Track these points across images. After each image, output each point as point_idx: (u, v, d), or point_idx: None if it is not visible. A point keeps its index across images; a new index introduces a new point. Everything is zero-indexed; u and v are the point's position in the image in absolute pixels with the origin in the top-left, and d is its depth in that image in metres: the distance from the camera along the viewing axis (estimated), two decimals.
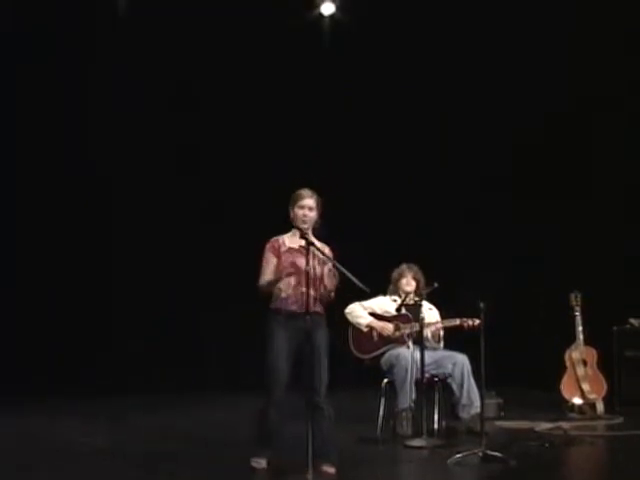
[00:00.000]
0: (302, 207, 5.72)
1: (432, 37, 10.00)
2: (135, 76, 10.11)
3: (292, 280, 5.67)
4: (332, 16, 10.31)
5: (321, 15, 10.30)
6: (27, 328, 9.81)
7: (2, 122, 9.82)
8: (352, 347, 7.35)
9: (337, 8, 10.27)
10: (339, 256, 5.74)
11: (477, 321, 6.75)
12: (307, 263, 5.45)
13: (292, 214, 5.76)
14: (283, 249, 5.75)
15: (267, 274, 5.71)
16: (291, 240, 5.78)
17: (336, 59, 10.30)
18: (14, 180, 9.99)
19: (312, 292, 5.55)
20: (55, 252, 10.05)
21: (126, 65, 10.09)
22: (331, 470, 5.57)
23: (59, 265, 10.06)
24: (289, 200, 5.81)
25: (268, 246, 5.79)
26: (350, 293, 6.45)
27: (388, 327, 7.29)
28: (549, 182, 9.87)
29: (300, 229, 5.63)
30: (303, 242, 5.52)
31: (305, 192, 5.78)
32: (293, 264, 5.68)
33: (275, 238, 5.83)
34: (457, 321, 7.12)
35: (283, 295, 5.68)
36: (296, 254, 5.70)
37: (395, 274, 7.53)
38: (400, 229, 10.20)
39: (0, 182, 9.90)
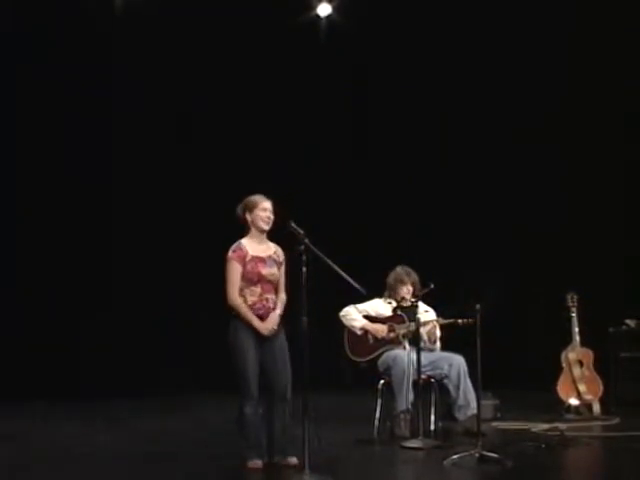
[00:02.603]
0: (265, 209, 5.91)
1: (431, 38, 10.05)
2: (135, 76, 10.14)
3: (257, 289, 5.85)
4: (328, 17, 10.34)
5: (317, 16, 10.33)
6: (26, 329, 9.80)
7: (2, 121, 9.84)
8: (348, 350, 7.34)
9: (333, 9, 10.31)
10: (336, 257, 5.76)
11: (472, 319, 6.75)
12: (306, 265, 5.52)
13: (250, 218, 5.90)
14: (248, 258, 5.86)
15: (235, 284, 5.83)
16: (252, 247, 5.91)
17: (334, 59, 10.31)
18: (14, 179, 9.99)
19: (273, 297, 5.88)
20: (55, 252, 10.05)
21: (125, 65, 10.14)
22: (294, 461, 5.75)
23: (58, 265, 10.06)
24: (242, 205, 5.93)
25: (232, 255, 5.88)
26: (345, 296, 6.49)
27: (381, 329, 7.29)
28: (548, 183, 9.88)
29: (262, 230, 5.88)
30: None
31: (262, 196, 5.95)
32: (259, 274, 5.84)
33: (237, 246, 5.92)
34: (452, 319, 7.15)
35: (249, 302, 5.84)
36: (260, 264, 5.86)
37: (391, 279, 7.45)
38: (397, 230, 10.21)
39: (0, 181, 9.92)
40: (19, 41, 9.78)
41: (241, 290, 5.85)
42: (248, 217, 5.91)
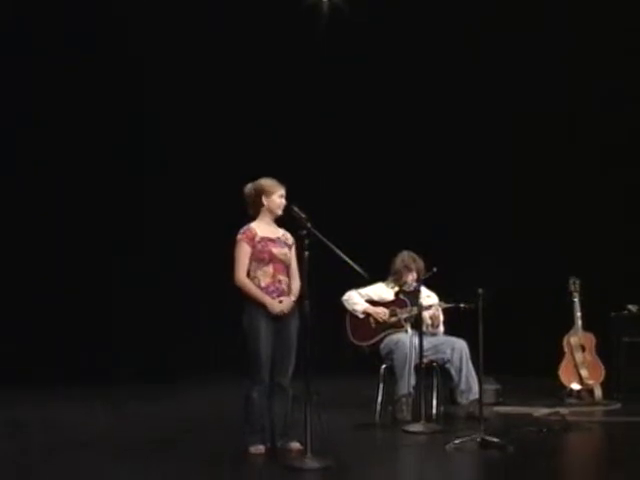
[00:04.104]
0: (281, 196, 5.95)
1: (430, 39, 10.06)
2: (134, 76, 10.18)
3: (270, 269, 5.84)
4: (329, 1, 10.29)
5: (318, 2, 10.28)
6: (25, 316, 9.80)
7: (2, 120, 9.84)
8: (350, 335, 7.34)
9: None
10: (339, 241, 5.75)
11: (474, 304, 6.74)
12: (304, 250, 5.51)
13: (267, 202, 5.91)
14: (257, 239, 5.86)
15: (243, 265, 5.83)
16: (261, 229, 5.91)
17: (334, 47, 10.27)
18: (14, 178, 10.01)
19: (286, 279, 5.88)
20: (55, 239, 10.06)
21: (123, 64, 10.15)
22: (297, 446, 5.76)
23: (56, 252, 10.07)
24: (257, 187, 5.92)
25: (242, 237, 5.88)
26: (348, 280, 6.49)
27: (383, 312, 7.29)
28: (549, 170, 9.86)
29: (276, 215, 5.92)
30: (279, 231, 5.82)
31: (278, 182, 5.97)
32: (270, 253, 5.84)
33: (247, 227, 5.91)
34: (454, 303, 7.14)
35: (262, 285, 5.83)
36: (270, 243, 5.87)
37: (398, 265, 7.41)
38: (399, 215, 10.20)
39: (0, 180, 9.93)
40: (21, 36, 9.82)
41: (254, 272, 5.83)
42: (265, 201, 5.91)
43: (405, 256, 7.41)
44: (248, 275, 5.84)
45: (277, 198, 5.92)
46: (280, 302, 5.81)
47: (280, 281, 5.85)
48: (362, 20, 9.96)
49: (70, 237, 10.10)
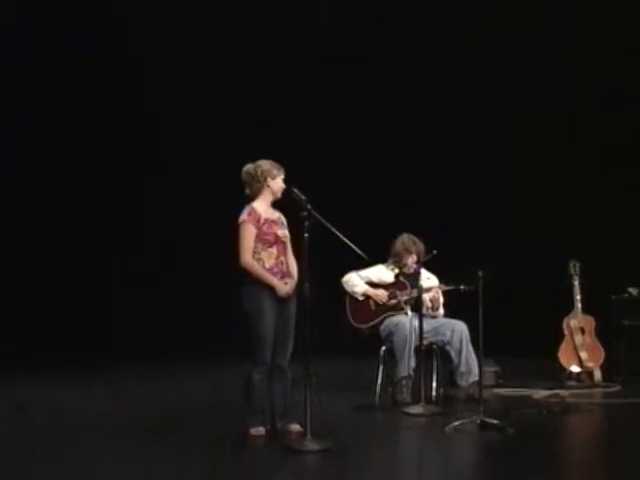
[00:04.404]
0: (283, 179, 5.96)
1: (430, 39, 10.07)
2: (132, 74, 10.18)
3: (274, 250, 5.85)
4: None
5: None
6: (25, 316, 9.80)
7: (2, 120, 9.83)
8: (350, 317, 7.34)
9: None
10: (339, 223, 5.74)
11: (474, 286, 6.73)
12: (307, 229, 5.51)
13: (271, 184, 5.91)
14: (262, 221, 5.86)
15: (249, 247, 5.81)
16: (263, 210, 5.91)
17: (334, 47, 10.28)
18: (14, 178, 10.00)
19: (286, 260, 5.90)
20: (55, 239, 10.09)
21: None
22: (297, 427, 5.78)
23: (56, 251, 10.09)
24: (262, 170, 5.90)
25: (247, 218, 5.86)
26: (348, 262, 6.48)
27: (383, 294, 7.30)
28: (549, 170, 9.85)
29: (276, 197, 5.93)
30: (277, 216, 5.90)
31: (279, 165, 5.98)
32: (275, 235, 5.85)
33: (251, 209, 5.89)
34: (454, 285, 7.15)
35: (267, 266, 5.83)
36: (274, 225, 5.89)
37: (398, 247, 7.37)
38: (400, 196, 10.19)
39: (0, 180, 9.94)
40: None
41: (258, 253, 5.83)
42: (270, 183, 5.91)
43: (405, 238, 7.39)
44: (252, 257, 5.83)
45: (280, 181, 5.93)
46: (285, 284, 5.82)
47: (282, 262, 5.87)
48: (362, 20, 9.97)
49: (70, 237, 10.12)
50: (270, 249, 5.84)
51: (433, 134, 10.29)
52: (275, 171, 5.92)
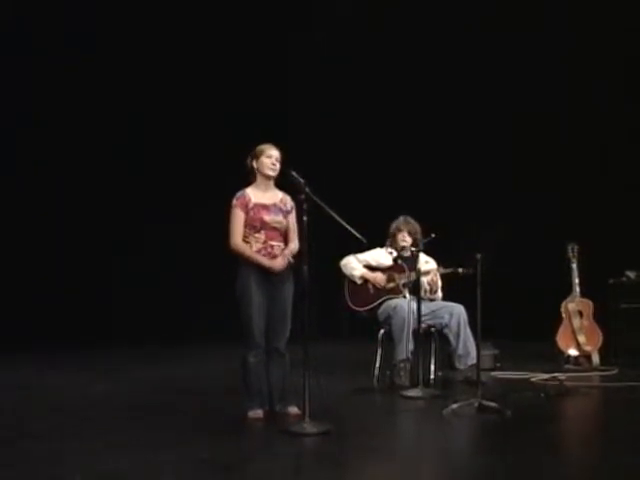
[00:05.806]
0: (270, 156, 5.90)
1: (430, 39, 10.11)
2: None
3: (262, 235, 5.85)
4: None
5: None
6: (26, 280, 9.82)
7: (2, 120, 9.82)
8: (348, 300, 7.35)
9: None
10: (338, 207, 5.73)
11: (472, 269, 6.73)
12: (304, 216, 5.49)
13: (256, 165, 5.90)
14: (250, 205, 5.85)
15: (238, 231, 5.82)
16: (256, 194, 5.89)
17: (334, 47, 10.27)
18: (14, 178, 9.98)
19: (280, 244, 5.87)
20: (55, 239, 10.12)
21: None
22: (296, 410, 5.80)
23: (56, 251, 10.11)
24: (250, 155, 5.91)
25: (236, 202, 5.86)
26: (347, 245, 6.47)
27: (380, 277, 7.29)
28: (549, 169, 9.84)
29: (267, 176, 5.86)
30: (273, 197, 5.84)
31: (270, 145, 5.94)
32: (261, 220, 5.83)
33: (241, 193, 5.90)
34: (452, 268, 7.14)
35: (253, 249, 5.83)
36: (263, 210, 5.86)
37: (392, 228, 7.46)
38: (399, 180, 10.19)
39: (1, 175, 9.92)
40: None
41: (246, 237, 5.84)
42: (255, 164, 5.91)
43: (400, 219, 7.43)
44: (243, 240, 5.84)
45: (265, 159, 5.88)
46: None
47: (272, 247, 5.84)
48: (362, 20, 9.96)
49: (70, 237, 10.14)
50: (257, 234, 5.84)
51: (434, 132, 10.32)
52: (260, 151, 5.90)
